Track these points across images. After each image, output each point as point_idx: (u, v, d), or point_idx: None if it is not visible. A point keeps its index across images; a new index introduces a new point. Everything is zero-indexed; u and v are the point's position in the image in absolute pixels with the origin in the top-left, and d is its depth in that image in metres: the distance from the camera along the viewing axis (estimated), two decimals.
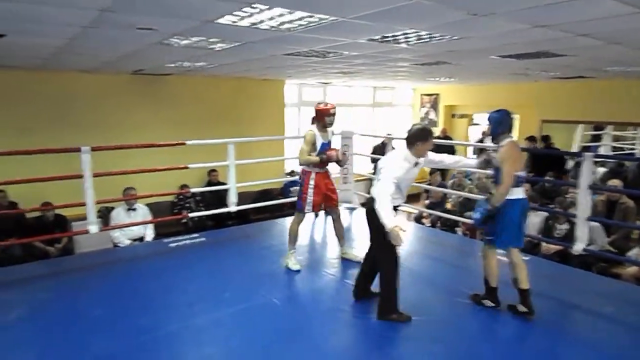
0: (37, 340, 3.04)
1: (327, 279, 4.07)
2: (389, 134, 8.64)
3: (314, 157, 4.09)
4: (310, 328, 3.20)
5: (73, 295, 3.72)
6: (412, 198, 9.28)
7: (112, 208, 6.00)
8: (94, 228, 4.62)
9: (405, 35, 3.57)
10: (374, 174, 8.37)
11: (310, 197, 4.14)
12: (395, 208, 3.06)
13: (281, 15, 2.82)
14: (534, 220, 5.72)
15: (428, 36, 3.59)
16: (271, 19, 2.92)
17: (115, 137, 6.51)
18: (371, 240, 3.30)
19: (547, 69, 6.01)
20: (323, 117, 4.07)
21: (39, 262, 5.01)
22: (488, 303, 3.39)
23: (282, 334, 3.08)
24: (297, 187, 8.73)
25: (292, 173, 8.52)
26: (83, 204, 4.53)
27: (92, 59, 4.90)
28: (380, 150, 8.96)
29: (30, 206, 5.64)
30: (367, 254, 3.46)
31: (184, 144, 5.18)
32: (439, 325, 3.18)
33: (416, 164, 3.12)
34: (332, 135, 4.26)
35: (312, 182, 4.14)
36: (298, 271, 4.11)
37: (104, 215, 6.07)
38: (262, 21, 3.00)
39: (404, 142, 3.09)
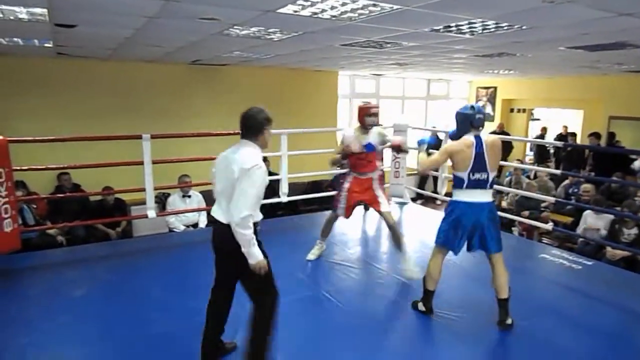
0: (101, 317, 3.19)
1: (378, 274, 4.02)
2: (434, 127, 8.43)
3: (336, 156, 3.84)
4: (360, 321, 3.17)
5: (133, 277, 3.89)
6: None
7: (169, 194, 6.21)
8: (152, 213, 4.79)
9: (471, 25, 3.42)
10: None
11: (343, 200, 3.90)
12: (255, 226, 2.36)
13: (344, 4, 2.76)
14: (597, 224, 5.39)
15: (495, 26, 3.41)
16: (333, 8, 2.86)
17: (173, 125, 6.72)
18: (226, 276, 2.51)
19: (621, 62, 5.59)
20: (362, 117, 3.77)
21: (101, 244, 5.26)
22: (420, 307, 3.18)
23: (331, 327, 3.07)
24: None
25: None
26: (142, 189, 4.70)
27: (155, 50, 5.05)
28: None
29: (92, 189, 5.95)
30: (213, 298, 2.56)
31: (239, 133, 5.24)
32: (483, 326, 3.05)
33: (265, 159, 2.56)
34: (378, 138, 3.83)
35: (345, 185, 3.90)
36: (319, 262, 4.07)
37: (161, 201, 6.29)
38: (323, 10, 2.95)
39: (247, 133, 2.39)
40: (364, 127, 3.79)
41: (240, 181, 2.24)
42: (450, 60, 6.10)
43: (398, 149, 3.97)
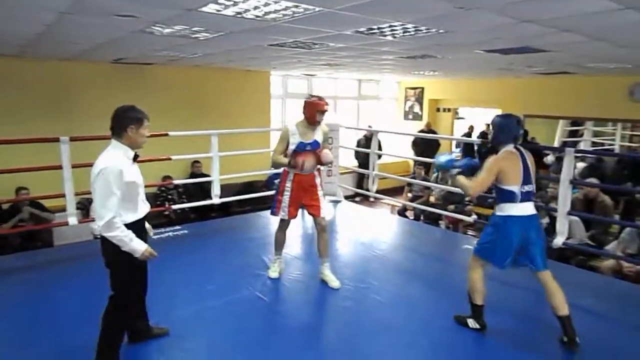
0: (8, 333, 2.98)
1: (312, 273, 4.07)
2: (370, 126, 8.68)
3: (284, 159, 3.55)
4: (293, 322, 3.20)
5: (49, 289, 3.64)
6: (395, 191, 9.34)
7: (92, 200, 5.88)
8: (73, 220, 4.54)
9: (392, 28, 3.55)
10: (358, 166, 8.45)
11: (285, 201, 3.60)
12: (137, 224, 2.44)
13: (266, 4, 2.77)
14: None
15: (414, 29, 3.57)
16: (256, 8, 2.86)
17: (97, 127, 6.33)
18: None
19: (531, 64, 6.06)
20: (314, 113, 3.49)
21: (17, 254, 4.89)
22: (472, 324, 2.99)
23: (266, 328, 3.08)
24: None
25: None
26: (62, 195, 4.43)
27: (72, 47, 4.77)
28: (364, 143, 8.98)
29: (7, 196, 5.51)
30: None
31: (167, 134, 5.09)
32: (420, 323, 3.20)
33: (136, 157, 2.48)
34: (322, 135, 3.65)
35: (288, 185, 3.60)
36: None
37: (85, 206, 5.96)
38: (246, 10, 2.94)
39: (112, 133, 2.44)
40: (312, 124, 3.54)
41: (94, 185, 2.28)
42: (379, 61, 6.30)
43: (320, 162, 3.64)
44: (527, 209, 2.77)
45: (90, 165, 4.47)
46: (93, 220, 5.29)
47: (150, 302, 2.83)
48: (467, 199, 6.95)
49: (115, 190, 2.27)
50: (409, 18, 3.17)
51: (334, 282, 3.67)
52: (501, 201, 2.81)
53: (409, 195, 7.80)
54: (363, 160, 8.39)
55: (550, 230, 5.06)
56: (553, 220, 5.00)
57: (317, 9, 2.86)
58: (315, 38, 4.12)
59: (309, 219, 5.88)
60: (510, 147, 2.81)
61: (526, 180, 2.75)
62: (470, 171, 2.93)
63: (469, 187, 2.85)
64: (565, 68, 6.49)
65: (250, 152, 6.54)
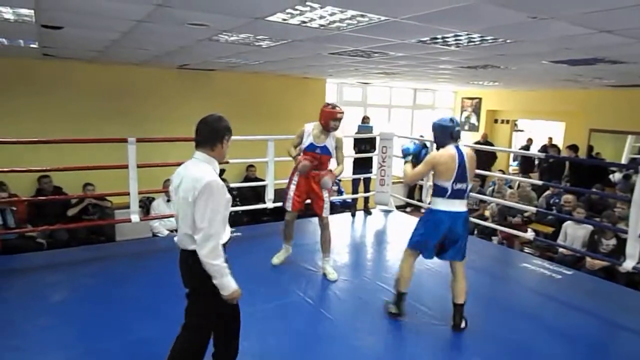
0: (81, 321, 3.16)
1: (360, 281, 4.04)
2: (421, 136, 8.52)
3: (293, 152, 3.95)
4: (339, 328, 3.18)
5: (114, 281, 3.84)
6: None
7: (153, 199, 6.15)
8: (135, 217, 4.75)
9: (456, 38, 3.48)
10: None
11: (291, 194, 3.96)
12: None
13: (332, 14, 2.79)
14: (578, 234, 5.50)
15: (480, 39, 3.48)
16: (322, 17, 2.90)
17: (159, 129, 6.66)
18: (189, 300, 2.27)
19: (600, 76, 5.74)
20: (327, 120, 3.76)
21: (83, 247, 5.17)
22: (392, 309, 3.25)
23: (315, 332, 3.08)
24: (333, 187, 8.66)
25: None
26: (127, 193, 4.66)
27: (142, 53, 5.02)
28: None
29: (75, 193, 5.87)
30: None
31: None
32: (476, 336, 3.09)
33: (222, 172, 2.35)
34: (333, 142, 3.85)
35: (295, 179, 3.97)
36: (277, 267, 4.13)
37: (145, 205, 6.23)
38: (312, 19, 2.98)
39: (203, 143, 2.18)
40: (327, 130, 3.80)
41: (200, 200, 1.98)
42: (437, 70, 6.20)
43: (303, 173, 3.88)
44: (456, 205, 2.96)
45: (150, 166, 4.78)
46: (153, 218, 5.60)
47: None
48: (526, 213, 6.67)
49: (222, 209, 2.04)
50: (476, 27, 3.10)
51: (331, 275, 3.94)
52: (434, 195, 3.04)
53: None
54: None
55: (617, 252, 4.76)
56: (620, 241, 4.71)
57: (383, 18, 2.85)
58: (376, 47, 4.11)
59: (359, 228, 5.87)
60: (449, 147, 2.98)
61: (459, 178, 2.93)
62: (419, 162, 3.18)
63: (407, 175, 3.19)
64: (639, 80, 6.11)
65: None
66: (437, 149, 3.07)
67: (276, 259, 4.18)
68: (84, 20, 3.20)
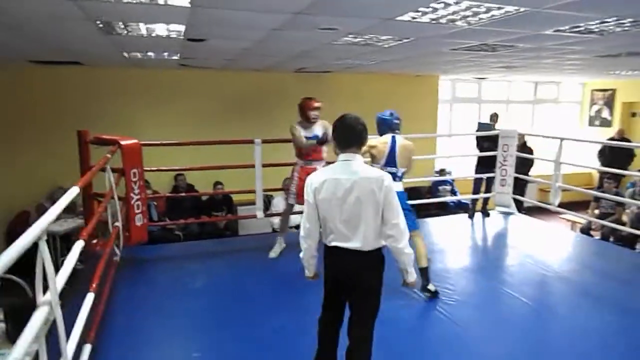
0: (219, 308, 3.44)
1: (483, 286, 3.86)
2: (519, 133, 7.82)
3: (309, 141, 4.09)
4: (470, 335, 3.07)
5: (246, 272, 4.13)
6: (578, 206, 8.32)
7: (272, 196, 6.50)
8: (260, 214, 5.06)
9: (602, 24, 3.16)
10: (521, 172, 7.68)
11: (293, 187, 4.22)
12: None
13: (467, 8, 2.71)
14: None
15: (632, 23, 3.12)
16: (454, 13, 2.82)
17: (278, 130, 6.99)
18: (341, 301, 2.30)
19: None
20: (306, 112, 4.07)
21: (213, 240, 5.64)
22: (432, 287, 3.50)
23: (442, 338, 3.01)
24: (446, 187, 8.41)
25: (442, 172, 8.27)
26: (252, 191, 4.98)
27: (267, 59, 5.33)
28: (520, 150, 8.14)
29: (204, 189, 6.44)
30: (327, 320, 2.36)
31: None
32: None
33: None
34: (323, 129, 4.06)
35: (296, 174, 4.23)
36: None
37: (265, 202, 6.61)
38: (443, 16, 2.92)
39: (353, 144, 2.17)
40: (309, 122, 4.11)
41: (387, 199, 2.08)
42: (566, 61, 5.69)
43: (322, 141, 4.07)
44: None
45: (275, 165, 5.04)
46: (272, 215, 5.92)
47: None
48: None
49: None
50: (628, 11, 2.78)
51: (273, 254, 4.35)
52: None
53: (596, 212, 6.86)
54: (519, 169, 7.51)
55: None
56: None
57: (522, 9, 2.69)
58: (505, 40, 3.89)
59: (479, 230, 5.62)
60: (386, 136, 3.49)
61: (389, 162, 3.44)
62: None
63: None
64: None
65: (418, 157, 6.48)
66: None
67: (273, 253, 4.42)
68: (226, 32, 3.48)
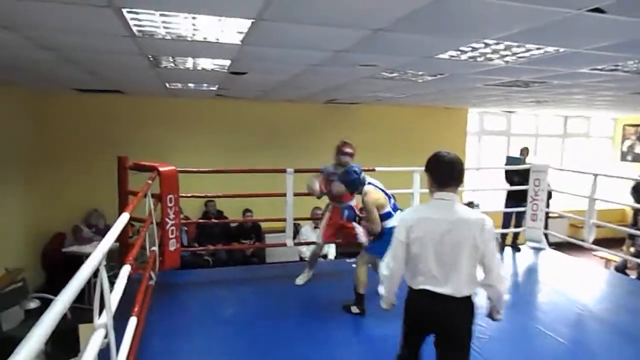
0: (251, 335, 3.42)
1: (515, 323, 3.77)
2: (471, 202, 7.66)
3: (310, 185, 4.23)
4: None
5: (275, 300, 4.11)
6: (611, 243, 8.09)
7: (300, 225, 6.54)
8: (290, 242, 5.08)
9: None
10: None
11: (322, 228, 4.27)
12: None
13: (507, 48, 2.77)
14: None
15: None
16: (494, 52, 2.88)
17: (308, 160, 7.09)
18: (449, 350, 2.14)
19: None
20: (338, 154, 4.15)
21: (241, 267, 5.69)
22: (355, 310, 3.56)
23: None
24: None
25: (470, 204, 8.19)
26: (282, 219, 5.03)
27: (297, 91, 5.46)
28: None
29: (233, 216, 6.53)
30: None
31: (373, 170, 5.39)
32: None
33: None
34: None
35: (327, 214, 4.29)
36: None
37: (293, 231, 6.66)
38: (482, 54, 2.98)
39: (454, 183, 2.07)
40: (339, 163, 4.12)
41: (488, 245, 1.98)
42: (597, 97, 5.67)
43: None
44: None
45: (304, 195, 5.09)
46: (301, 244, 5.94)
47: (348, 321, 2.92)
48: None
49: None
50: None
51: (300, 281, 4.33)
52: (386, 220, 3.49)
53: (632, 249, 6.66)
54: None
55: None
56: None
57: (562, 50, 2.74)
58: (540, 77, 3.93)
59: (508, 265, 5.52)
60: (366, 187, 3.51)
61: (389, 197, 3.61)
62: None
63: (376, 224, 3.50)
64: None
65: None
66: (351, 194, 3.78)
67: (300, 280, 4.41)
68: (267, 67, 3.61)
